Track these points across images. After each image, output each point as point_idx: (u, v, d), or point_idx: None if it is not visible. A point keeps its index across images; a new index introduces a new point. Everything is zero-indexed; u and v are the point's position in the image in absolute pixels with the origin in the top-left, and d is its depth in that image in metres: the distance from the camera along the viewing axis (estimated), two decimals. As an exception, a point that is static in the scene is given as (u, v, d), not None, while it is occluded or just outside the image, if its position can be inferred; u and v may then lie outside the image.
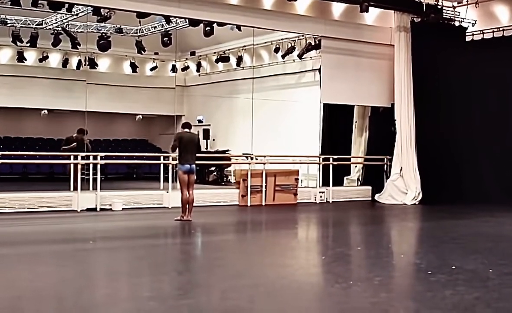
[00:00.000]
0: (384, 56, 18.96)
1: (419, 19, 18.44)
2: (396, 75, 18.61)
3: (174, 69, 24.81)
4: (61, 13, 20.14)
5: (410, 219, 15.26)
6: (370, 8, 16.97)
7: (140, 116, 26.46)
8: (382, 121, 19.24)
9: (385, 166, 19.10)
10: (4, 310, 5.96)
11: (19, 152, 20.32)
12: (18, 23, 21.26)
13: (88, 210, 14.27)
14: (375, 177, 19.20)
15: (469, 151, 18.37)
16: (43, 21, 21.51)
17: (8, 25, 21.14)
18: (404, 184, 18.26)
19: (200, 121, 25.26)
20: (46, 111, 23.74)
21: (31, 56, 23.52)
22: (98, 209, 14.37)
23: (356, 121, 20.10)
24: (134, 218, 13.56)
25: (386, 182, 18.70)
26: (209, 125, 24.94)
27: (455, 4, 19.08)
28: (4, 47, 23.20)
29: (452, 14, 18.94)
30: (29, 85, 23.45)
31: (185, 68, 25.64)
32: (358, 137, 20.12)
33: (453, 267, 8.14)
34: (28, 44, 21.82)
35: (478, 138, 18.39)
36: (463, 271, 7.95)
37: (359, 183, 19.78)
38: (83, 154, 15.12)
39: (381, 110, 19.46)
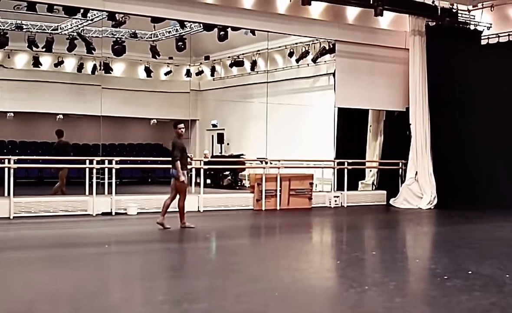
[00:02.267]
0: (398, 60, 18.89)
1: (434, 23, 18.38)
2: (411, 79, 18.53)
3: (188, 73, 24.94)
4: (76, 19, 20.28)
5: (425, 224, 15.18)
6: (385, 12, 16.94)
7: (155, 120, 26.51)
8: (397, 126, 19.16)
9: (400, 170, 19.02)
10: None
11: (34, 157, 20.40)
12: (34, 28, 21.44)
13: (104, 214, 14.34)
14: (390, 181, 19.13)
15: (484, 156, 18.24)
16: (59, 26, 21.70)
17: (24, 30, 21.31)
18: (419, 188, 18.17)
19: (214, 125, 25.34)
20: (61, 116, 23.84)
21: (46, 61, 23.72)
22: (113, 213, 14.45)
23: (370, 126, 20.04)
24: (149, 222, 13.54)
25: (401, 186, 18.62)
26: (223, 129, 25.01)
27: (470, 7, 18.96)
28: (20, 52, 23.40)
29: (467, 17, 18.85)
30: (44, 90, 23.65)
31: (199, 73, 25.72)
32: (373, 141, 20.06)
33: (469, 272, 8.09)
34: (44, 49, 22.02)
35: (493, 142, 18.28)
36: (479, 276, 7.89)
37: (374, 187, 19.72)
38: (98, 158, 15.19)
39: (396, 114, 19.36)
